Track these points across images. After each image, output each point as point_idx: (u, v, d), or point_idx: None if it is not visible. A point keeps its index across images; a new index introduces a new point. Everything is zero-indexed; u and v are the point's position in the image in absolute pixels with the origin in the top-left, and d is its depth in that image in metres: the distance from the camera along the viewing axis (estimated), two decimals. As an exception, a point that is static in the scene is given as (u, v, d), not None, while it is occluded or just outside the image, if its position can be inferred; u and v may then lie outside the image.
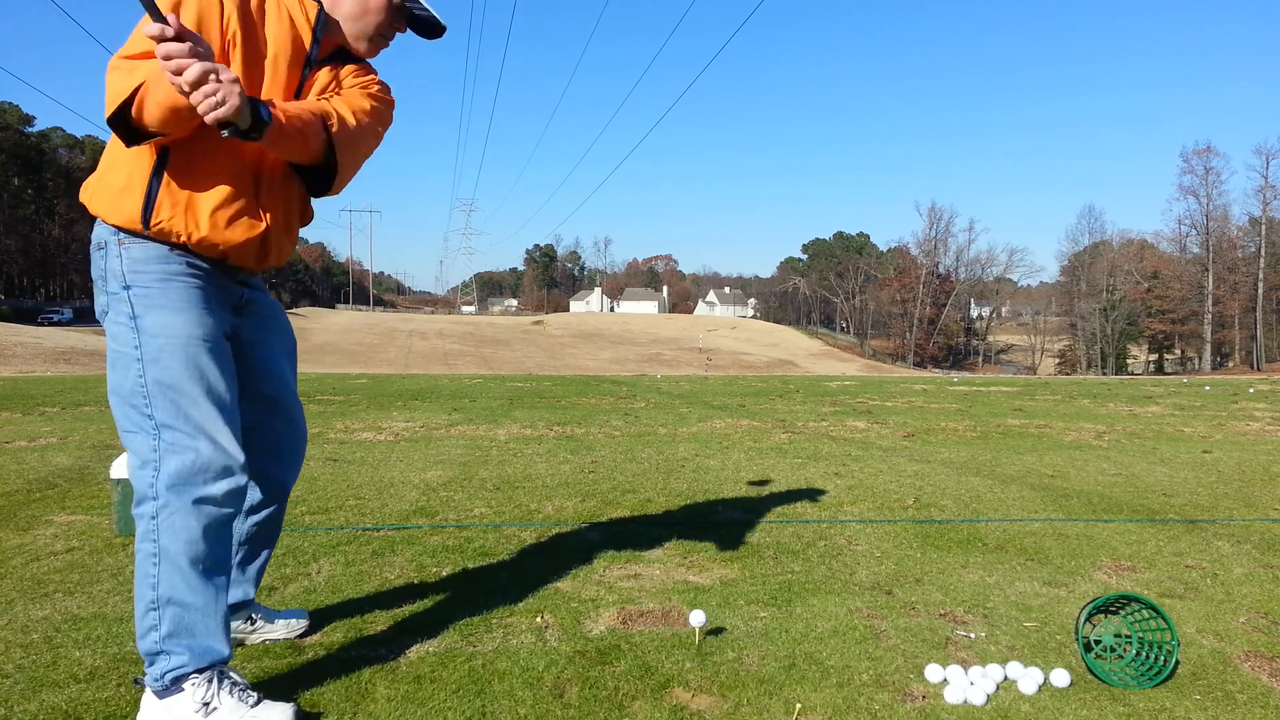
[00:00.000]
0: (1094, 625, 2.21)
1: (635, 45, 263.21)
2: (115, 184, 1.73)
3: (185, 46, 1.43)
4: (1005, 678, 1.99)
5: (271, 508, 2.09)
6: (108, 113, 1.57)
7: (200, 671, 1.72)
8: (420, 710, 1.79)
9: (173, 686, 1.70)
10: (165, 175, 1.70)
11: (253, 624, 2.15)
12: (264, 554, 2.15)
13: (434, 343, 57.41)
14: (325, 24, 1.88)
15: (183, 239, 1.72)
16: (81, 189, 1.81)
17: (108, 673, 1.95)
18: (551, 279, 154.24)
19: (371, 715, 1.77)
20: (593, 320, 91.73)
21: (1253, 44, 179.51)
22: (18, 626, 2.23)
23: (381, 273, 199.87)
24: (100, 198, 1.75)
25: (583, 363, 48.09)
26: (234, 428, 1.76)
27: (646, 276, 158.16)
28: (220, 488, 1.71)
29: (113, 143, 1.74)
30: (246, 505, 2.05)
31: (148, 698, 1.72)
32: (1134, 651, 2.09)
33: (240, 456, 1.75)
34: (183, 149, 1.71)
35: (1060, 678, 1.98)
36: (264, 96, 1.78)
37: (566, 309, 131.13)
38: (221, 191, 1.73)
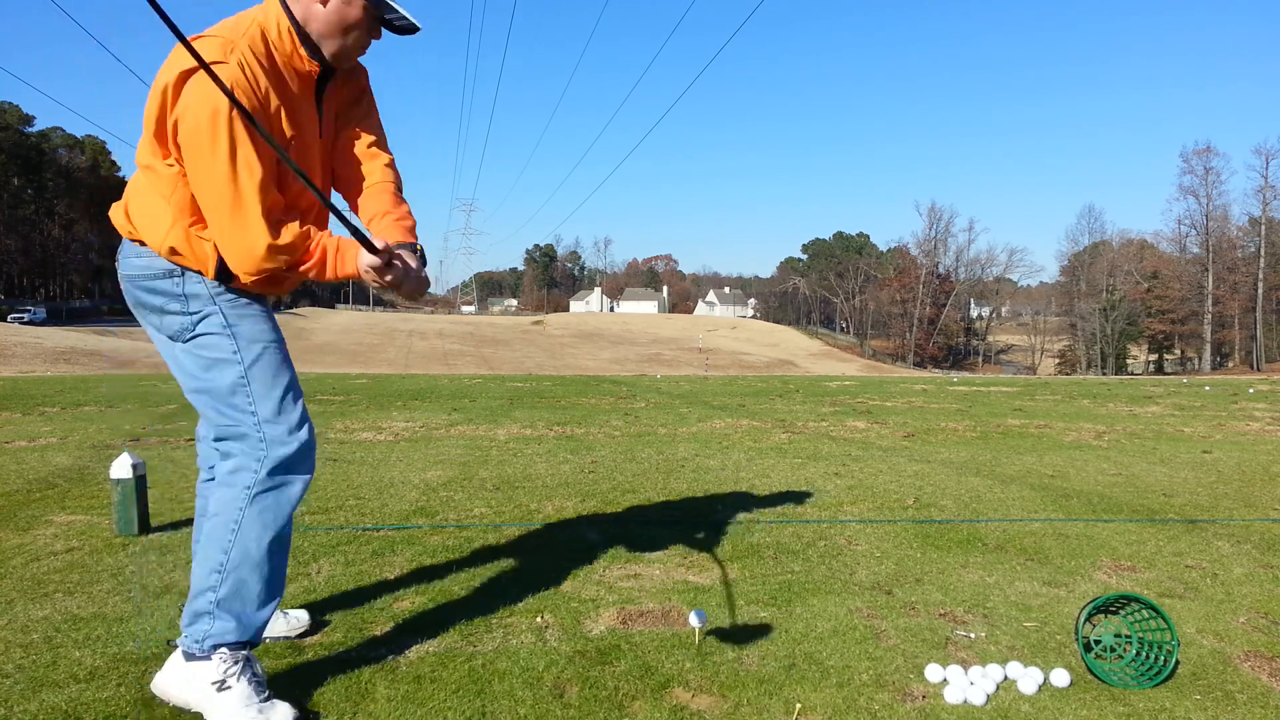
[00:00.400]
0: (1094, 625, 2.21)
1: (635, 45, 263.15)
2: (192, 248, 1.82)
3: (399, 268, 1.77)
4: (1005, 678, 1.99)
5: None
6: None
7: (235, 648, 1.79)
8: (420, 710, 1.79)
9: (205, 653, 1.78)
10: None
11: None
12: None
13: (434, 343, 57.43)
14: (305, 38, 1.86)
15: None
16: (133, 213, 1.86)
17: (108, 673, 1.95)
18: (551, 279, 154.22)
19: (371, 715, 1.77)
20: (593, 320, 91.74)
21: (1253, 44, 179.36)
22: (18, 626, 2.23)
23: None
24: (177, 243, 1.83)
25: (583, 363, 48.11)
26: (309, 423, 1.93)
27: (646, 276, 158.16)
28: (306, 480, 1.89)
29: (170, 194, 1.81)
30: None
31: (176, 657, 1.81)
32: (1134, 651, 2.10)
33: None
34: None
35: (1060, 678, 1.98)
36: (299, 149, 1.87)
37: (566, 309, 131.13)
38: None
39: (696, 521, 3.56)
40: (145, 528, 3.22)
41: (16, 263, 68.41)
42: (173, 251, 1.81)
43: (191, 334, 1.87)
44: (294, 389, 1.91)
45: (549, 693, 1.89)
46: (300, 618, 2.23)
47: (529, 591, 2.58)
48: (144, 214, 1.82)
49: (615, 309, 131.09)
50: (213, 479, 1.99)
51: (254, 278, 1.78)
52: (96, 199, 69.79)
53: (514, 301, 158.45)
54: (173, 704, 1.81)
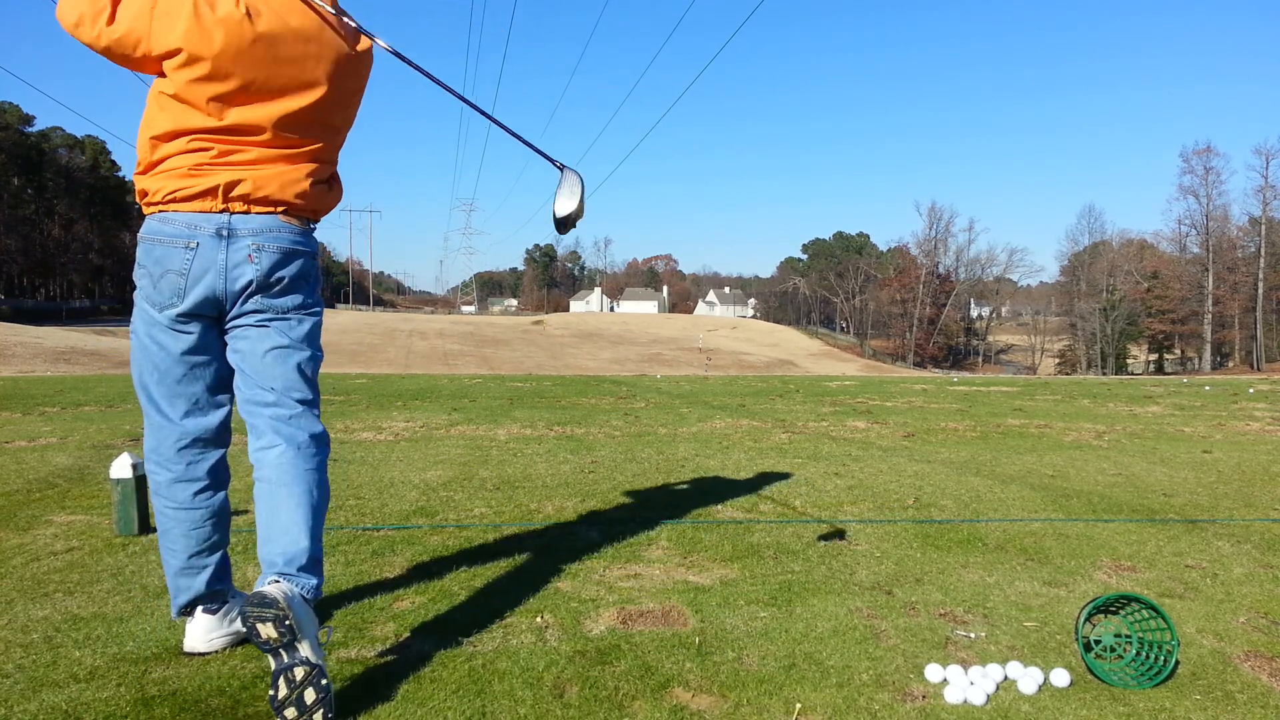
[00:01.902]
0: (1094, 625, 2.21)
1: (635, 45, 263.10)
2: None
3: None
4: (1005, 677, 1.99)
5: None
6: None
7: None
8: (420, 710, 1.79)
9: (312, 600, 1.84)
10: None
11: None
12: None
13: (434, 343, 57.39)
14: None
15: None
16: (315, 195, 2.03)
17: (108, 673, 1.95)
18: (551, 279, 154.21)
19: (371, 715, 1.77)
20: (593, 320, 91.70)
21: (1253, 44, 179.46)
22: (18, 626, 2.23)
23: (381, 273, 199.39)
24: (326, 200, 2.08)
25: (583, 363, 48.09)
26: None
27: (646, 276, 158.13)
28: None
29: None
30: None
31: (300, 602, 1.77)
32: (1134, 651, 2.09)
33: None
34: None
35: (1060, 677, 1.98)
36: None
37: (566, 309, 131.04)
38: None
39: (697, 522, 3.56)
40: (145, 528, 3.22)
41: (16, 263, 68.35)
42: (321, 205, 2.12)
43: (308, 313, 2.08)
44: None
45: (549, 693, 1.89)
46: None
47: (529, 591, 2.58)
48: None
49: (615, 309, 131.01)
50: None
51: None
52: (96, 199, 69.86)
53: (514, 301, 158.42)
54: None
